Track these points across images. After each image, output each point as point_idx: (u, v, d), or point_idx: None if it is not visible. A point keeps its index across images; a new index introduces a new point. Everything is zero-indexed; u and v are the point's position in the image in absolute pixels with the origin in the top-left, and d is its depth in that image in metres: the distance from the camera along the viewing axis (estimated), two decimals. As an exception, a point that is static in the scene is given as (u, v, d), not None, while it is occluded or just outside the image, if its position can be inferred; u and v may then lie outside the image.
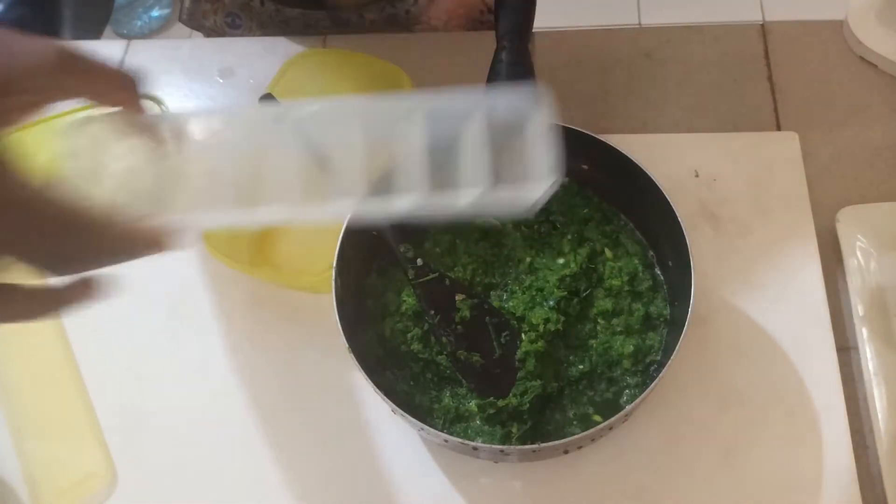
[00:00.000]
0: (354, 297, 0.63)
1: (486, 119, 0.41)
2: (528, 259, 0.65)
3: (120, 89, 0.40)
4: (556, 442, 0.53)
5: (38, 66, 0.38)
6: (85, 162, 0.40)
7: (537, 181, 0.40)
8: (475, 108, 0.42)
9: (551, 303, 0.62)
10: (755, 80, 0.80)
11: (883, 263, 0.67)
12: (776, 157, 0.74)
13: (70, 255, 0.36)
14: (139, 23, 2.08)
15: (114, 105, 0.40)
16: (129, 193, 0.39)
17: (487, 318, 0.62)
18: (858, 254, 0.67)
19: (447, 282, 0.62)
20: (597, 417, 0.60)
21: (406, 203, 0.40)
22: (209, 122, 0.43)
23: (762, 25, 0.83)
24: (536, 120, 0.41)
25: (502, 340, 0.62)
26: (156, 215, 0.38)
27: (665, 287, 0.64)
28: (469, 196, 0.40)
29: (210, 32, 0.99)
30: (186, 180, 0.41)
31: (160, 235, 0.38)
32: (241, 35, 0.97)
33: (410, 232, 0.67)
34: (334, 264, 0.59)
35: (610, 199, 0.68)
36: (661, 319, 0.63)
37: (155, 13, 2.10)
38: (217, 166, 0.41)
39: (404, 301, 0.63)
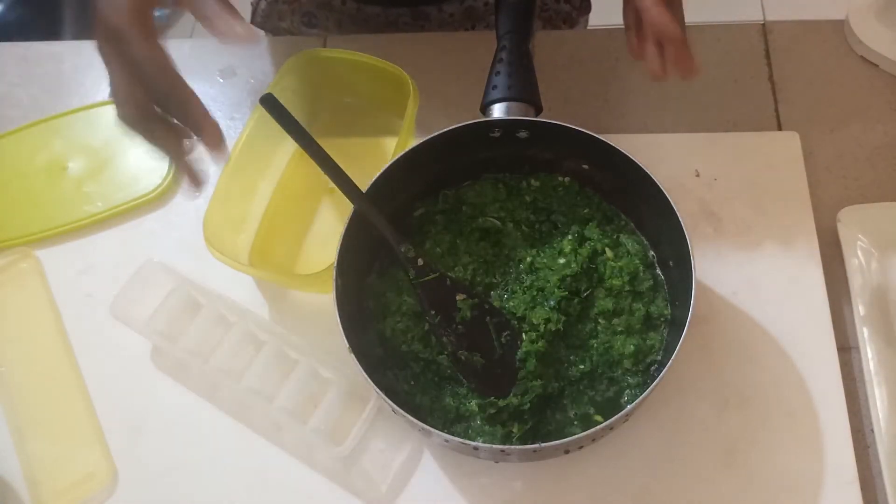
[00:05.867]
0: (355, 297, 0.63)
1: None
2: (529, 259, 0.65)
3: None
4: (557, 442, 0.53)
5: None
6: None
7: None
8: None
9: (552, 303, 0.62)
10: (756, 79, 0.80)
11: (884, 263, 0.67)
12: (777, 156, 0.73)
13: None
14: (139, 23, 2.08)
15: None
16: None
17: (488, 317, 0.62)
18: (859, 253, 0.67)
19: (448, 282, 0.62)
20: (597, 417, 0.60)
21: None
22: None
23: (763, 25, 0.83)
24: None
25: (503, 340, 0.62)
26: None
27: (666, 287, 0.64)
28: None
29: (283, 34, 0.97)
30: None
31: None
32: (316, 35, 0.95)
33: (411, 232, 0.67)
34: (334, 264, 0.59)
35: (610, 198, 0.68)
36: (662, 319, 0.63)
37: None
38: None
39: (405, 301, 0.63)
